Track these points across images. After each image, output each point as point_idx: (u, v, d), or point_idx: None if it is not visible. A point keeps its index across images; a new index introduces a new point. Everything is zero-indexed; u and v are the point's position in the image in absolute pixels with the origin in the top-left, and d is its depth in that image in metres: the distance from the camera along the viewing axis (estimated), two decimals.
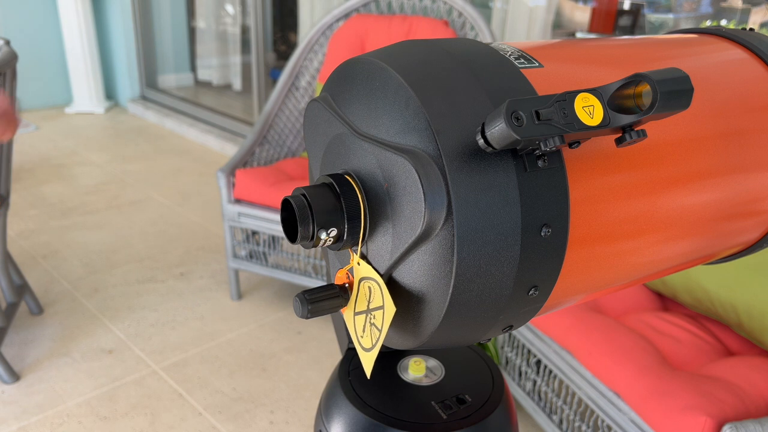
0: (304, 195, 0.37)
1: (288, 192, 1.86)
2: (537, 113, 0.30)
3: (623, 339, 1.24)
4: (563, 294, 0.39)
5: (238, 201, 2.04)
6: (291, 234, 0.39)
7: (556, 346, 1.37)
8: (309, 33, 2.38)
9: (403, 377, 0.53)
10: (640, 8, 2.95)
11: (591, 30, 3.01)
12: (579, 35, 3.06)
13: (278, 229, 1.99)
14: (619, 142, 0.32)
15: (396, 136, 0.35)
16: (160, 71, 4.68)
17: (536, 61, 0.39)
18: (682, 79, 0.30)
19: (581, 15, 3.07)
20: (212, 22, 4.72)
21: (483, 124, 0.31)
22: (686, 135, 0.41)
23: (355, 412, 0.49)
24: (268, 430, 1.61)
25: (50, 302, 2.10)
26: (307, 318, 0.39)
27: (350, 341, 0.57)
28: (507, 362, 1.60)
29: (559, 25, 3.01)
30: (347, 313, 0.42)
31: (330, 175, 0.39)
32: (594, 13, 3.06)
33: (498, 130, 0.30)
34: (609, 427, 1.25)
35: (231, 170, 2.04)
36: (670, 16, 2.80)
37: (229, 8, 4.69)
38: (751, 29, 0.51)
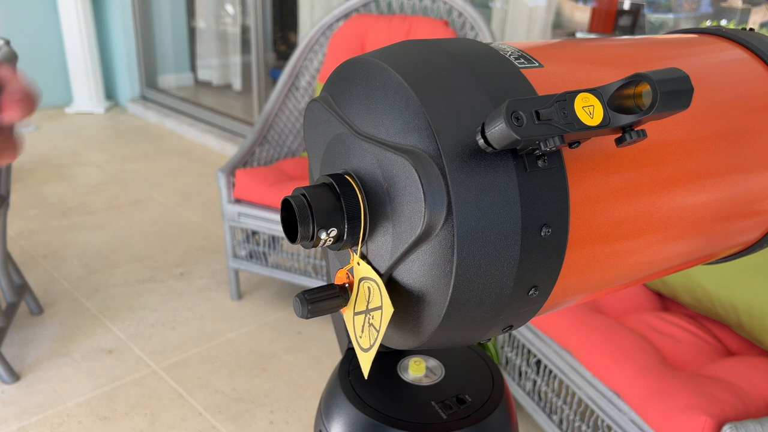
0: (304, 195, 0.37)
1: (288, 192, 1.86)
2: (537, 113, 0.30)
3: (623, 339, 1.25)
4: (563, 294, 0.39)
5: (238, 201, 2.04)
6: (291, 234, 0.39)
7: (556, 346, 1.37)
8: (309, 33, 2.38)
9: (403, 377, 0.53)
10: (640, 8, 2.95)
11: (591, 30, 3.01)
12: (579, 35, 3.06)
13: (278, 229, 1.99)
14: (619, 142, 0.32)
15: (396, 136, 0.35)
16: (160, 71, 4.68)
17: (536, 61, 0.39)
18: (682, 79, 0.30)
19: (581, 15, 3.07)
20: (212, 22, 4.73)
21: (483, 124, 0.31)
22: (686, 135, 0.41)
23: (355, 412, 0.49)
24: (268, 430, 1.61)
25: (50, 302, 2.10)
26: (307, 318, 0.39)
27: (350, 341, 0.57)
28: (507, 362, 1.60)
29: (559, 25, 3.01)
30: (347, 313, 0.42)
31: (330, 175, 0.39)
32: (594, 13, 3.06)
33: (498, 130, 0.30)
34: (609, 427, 1.25)
35: (231, 170, 2.04)
36: (670, 16, 2.80)
37: (229, 8, 4.69)
38: (751, 29, 0.51)
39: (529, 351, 1.51)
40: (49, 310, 2.06)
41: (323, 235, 0.37)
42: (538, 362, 1.49)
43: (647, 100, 0.30)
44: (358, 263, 0.40)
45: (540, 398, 1.49)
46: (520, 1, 2.69)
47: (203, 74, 4.90)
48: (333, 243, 0.39)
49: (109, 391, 1.71)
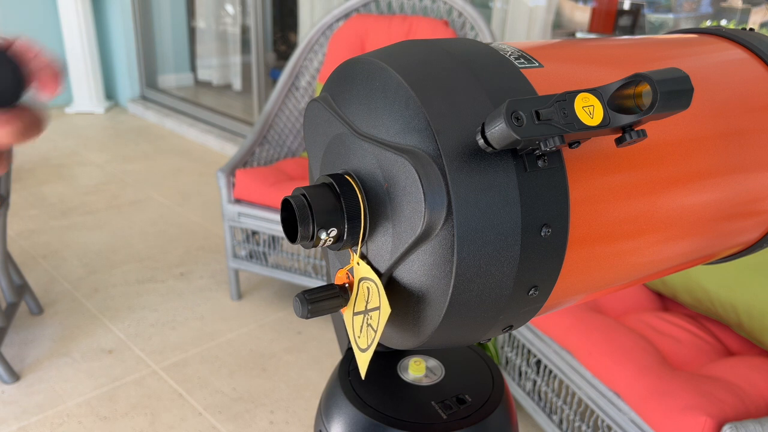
0: (304, 195, 0.37)
1: (288, 192, 1.86)
2: (537, 113, 0.30)
3: (623, 339, 1.25)
4: (563, 294, 0.39)
5: (238, 201, 2.04)
6: (291, 234, 0.39)
7: (556, 346, 1.37)
8: (309, 33, 2.38)
9: (403, 377, 0.53)
10: (640, 8, 2.95)
11: (591, 30, 3.01)
12: (579, 35, 3.06)
13: (278, 229, 1.99)
14: (619, 142, 0.32)
15: (396, 136, 0.35)
16: (160, 71, 4.68)
17: (536, 61, 0.39)
18: (682, 79, 0.30)
19: (581, 15, 3.07)
20: (212, 22, 4.73)
21: (483, 124, 0.31)
22: (686, 135, 0.41)
23: (355, 412, 0.49)
24: (268, 430, 1.61)
25: (50, 302, 2.10)
26: (307, 318, 0.39)
27: (350, 341, 0.57)
28: (507, 362, 1.60)
29: (559, 25, 3.01)
30: (347, 313, 0.42)
31: (330, 175, 0.39)
32: (594, 13, 3.06)
33: (498, 130, 0.30)
34: (609, 427, 1.25)
35: (231, 170, 2.04)
36: (670, 16, 2.80)
37: (229, 8, 4.69)
38: (751, 29, 0.51)
39: (529, 351, 1.51)
40: (49, 310, 2.06)
41: (323, 235, 0.37)
42: (538, 362, 1.49)
43: (647, 100, 0.30)
44: (358, 263, 0.40)
45: (540, 398, 1.49)
46: (520, 1, 2.69)
47: (203, 74, 4.90)
48: (333, 243, 0.39)
49: (109, 391, 1.71)
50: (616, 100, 0.31)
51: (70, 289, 2.19)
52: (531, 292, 0.36)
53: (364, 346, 0.41)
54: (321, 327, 2.04)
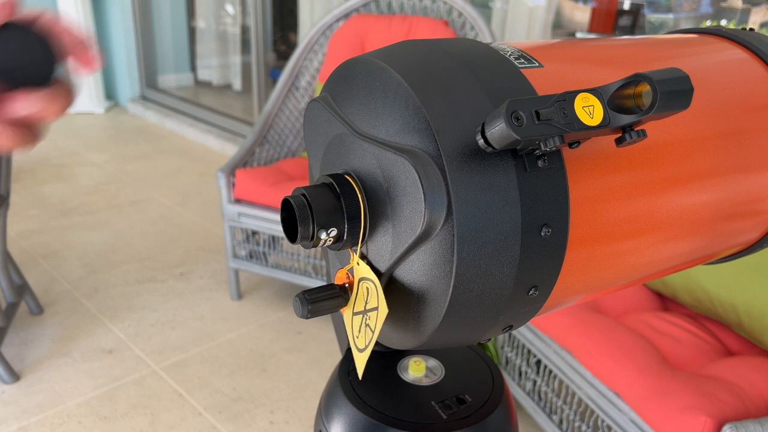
0: (304, 195, 0.37)
1: (288, 192, 1.86)
2: (537, 113, 0.30)
3: (623, 339, 1.25)
4: (563, 294, 0.39)
5: (238, 201, 2.04)
6: (291, 234, 0.39)
7: (556, 346, 1.37)
8: (309, 33, 2.38)
9: (403, 377, 0.53)
10: (640, 8, 2.95)
11: (591, 30, 3.01)
12: (579, 35, 3.06)
13: (278, 229, 1.99)
14: (619, 142, 0.32)
15: (396, 136, 0.35)
16: (160, 71, 4.68)
17: (536, 61, 0.39)
18: (682, 79, 0.30)
19: (581, 15, 3.07)
20: (212, 22, 4.73)
21: (483, 124, 0.31)
22: (686, 135, 0.41)
23: (355, 412, 0.49)
24: (268, 430, 1.61)
25: (50, 302, 2.10)
26: (307, 318, 0.39)
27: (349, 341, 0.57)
28: (507, 362, 1.60)
29: (559, 25, 3.01)
30: (347, 312, 0.42)
31: (330, 175, 0.39)
32: (594, 13, 3.06)
33: (498, 130, 0.30)
34: (609, 427, 1.25)
35: (231, 170, 2.04)
36: (670, 16, 2.80)
37: (229, 8, 4.69)
38: (751, 29, 0.51)
39: (529, 351, 1.51)
40: (49, 310, 2.06)
41: (323, 235, 0.37)
42: (538, 362, 1.49)
43: (647, 100, 0.30)
44: (358, 263, 0.40)
45: (540, 398, 1.49)
46: (520, 1, 2.69)
47: (203, 74, 4.90)
48: (333, 243, 0.39)
49: (109, 391, 1.71)
50: (616, 100, 0.31)
51: (70, 289, 2.19)
52: (531, 292, 0.36)
53: (362, 346, 0.41)
54: (321, 327, 2.04)
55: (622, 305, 1.43)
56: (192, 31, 4.82)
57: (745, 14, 2.49)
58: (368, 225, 0.38)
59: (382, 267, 0.38)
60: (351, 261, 0.41)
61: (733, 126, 0.44)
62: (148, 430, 1.58)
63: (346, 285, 0.42)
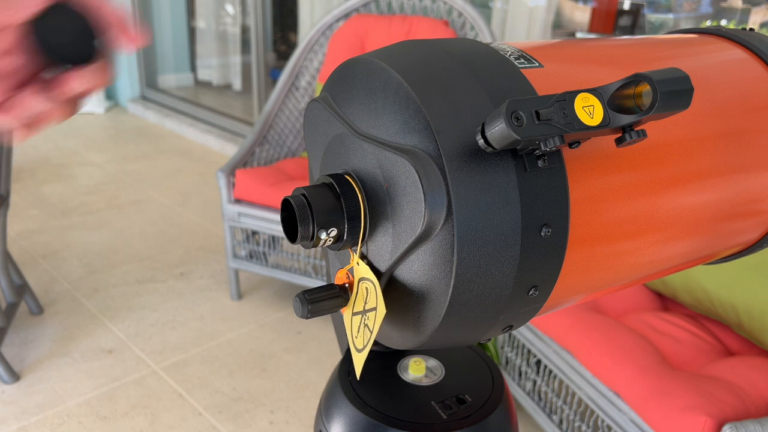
0: (304, 195, 0.37)
1: (288, 192, 1.86)
2: (537, 113, 0.30)
3: (623, 339, 1.24)
4: (563, 294, 0.39)
5: (238, 201, 2.04)
6: (291, 234, 0.39)
7: (556, 346, 1.37)
8: (309, 33, 2.38)
9: (403, 377, 0.53)
10: (640, 8, 2.95)
11: (591, 30, 3.01)
12: (579, 35, 3.06)
13: (278, 229, 1.99)
14: (619, 142, 0.32)
15: (396, 136, 0.35)
16: (160, 71, 4.68)
17: (536, 61, 0.39)
18: (682, 79, 0.30)
19: (581, 15, 3.07)
20: (212, 22, 4.73)
21: (483, 124, 0.31)
22: (686, 135, 0.41)
23: (355, 412, 0.49)
24: (268, 430, 1.61)
25: (50, 302, 2.10)
26: (307, 318, 0.39)
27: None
28: (507, 362, 1.60)
29: (559, 25, 3.01)
30: (347, 312, 0.42)
31: (330, 175, 0.39)
32: (594, 13, 3.06)
33: (498, 130, 0.30)
34: (609, 427, 1.25)
35: (231, 170, 2.04)
36: (670, 16, 2.80)
37: (229, 8, 4.69)
38: (751, 29, 0.51)
39: (529, 351, 1.51)
40: (49, 310, 2.06)
41: (323, 235, 0.37)
42: (538, 362, 1.49)
43: (647, 100, 0.30)
44: (358, 263, 0.40)
45: (540, 398, 1.49)
46: (520, 1, 2.69)
47: (203, 74, 4.90)
48: (333, 243, 0.39)
49: (109, 391, 1.71)
50: (616, 100, 0.31)
51: (70, 289, 2.19)
52: (531, 292, 0.36)
53: (360, 347, 0.41)
54: (321, 327, 2.04)
55: (622, 305, 1.43)
56: (192, 31, 4.82)
57: (745, 14, 2.49)
58: (368, 225, 0.38)
59: (382, 267, 0.38)
60: (351, 261, 0.41)
61: (733, 126, 0.44)
62: (148, 430, 1.58)
63: (346, 285, 0.42)
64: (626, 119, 0.31)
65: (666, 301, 1.49)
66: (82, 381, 1.74)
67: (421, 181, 0.33)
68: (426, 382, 0.53)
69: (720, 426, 1.02)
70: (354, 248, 0.40)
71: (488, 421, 0.49)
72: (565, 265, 0.36)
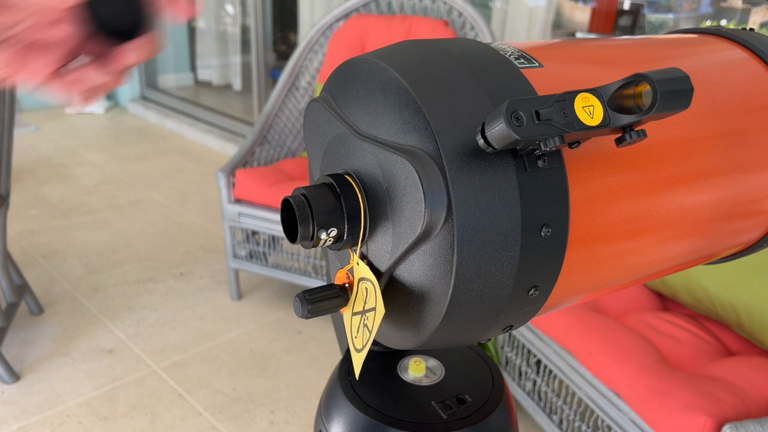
0: (304, 195, 0.37)
1: (288, 192, 1.86)
2: (537, 113, 0.30)
3: (623, 339, 1.24)
4: (563, 294, 0.39)
5: (238, 201, 2.04)
6: (291, 234, 0.39)
7: (556, 346, 1.37)
8: (309, 33, 2.38)
9: (403, 377, 0.53)
10: (640, 8, 2.95)
11: (591, 30, 3.01)
12: (579, 35, 3.06)
13: (278, 229, 1.99)
14: (619, 142, 0.32)
15: (396, 136, 0.35)
16: (160, 71, 4.68)
17: (536, 61, 0.39)
18: (682, 79, 0.30)
19: (581, 15, 3.07)
20: (212, 22, 4.72)
21: (483, 124, 0.31)
22: (686, 135, 0.41)
23: (355, 412, 0.49)
24: (268, 430, 1.61)
25: (50, 302, 2.10)
26: (307, 318, 0.39)
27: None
28: (507, 362, 1.60)
29: (559, 25, 3.01)
30: (347, 312, 0.42)
31: (330, 175, 0.39)
32: (594, 13, 3.06)
33: (498, 130, 0.30)
34: (609, 427, 1.25)
35: (231, 170, 2.04)
36: (670, 16, 2.80)
37: (229, 8, 4.69)
38: (751, 29, 0.51)
39: (529, 351, 1.51)
40: (49, 310, 2.06)
41: (323, 235, 0.37)
42: (538, 362, 1.49)
43: (647, 100, 0.30)
44: (358, 263, 0.40)
45: (540, 398, 1.49)
46: (520, 1, 2.69)
47: (203, 74, 4.90)
48: (333, 243, 0.39)
49: (109, 391, 1.71)
50: (616, 100, 0.31)
51: (70, 289, 2.19)
52: (531, 292, 0.36)
53: (360, 347, 0.41)
54: (321, 327, 2.04)
55: (622, 305, 1.43)
56: (192, 31, 4.82)
57: (745, 14, 2.49)
58: (368, 225, 0.38)
59: (382, 267, 0.38)
60: (351, 261, 0.41)
61: (733, 126, 0.44)
62: (148, 430, 1.58)
63: (346, 285, 0.42)
64: (626, 119, 0.31)
65: (666, 301, 1.49)
66: (82, 381, 1.74)
67: (421, 181, 0.33)
68: (426, 382, 0.53)
69: (720, 426, 1.02)
70: (354, 248, 0.40)
71: (488, 421, 0.49)
72: (565, 265, 0.36)
